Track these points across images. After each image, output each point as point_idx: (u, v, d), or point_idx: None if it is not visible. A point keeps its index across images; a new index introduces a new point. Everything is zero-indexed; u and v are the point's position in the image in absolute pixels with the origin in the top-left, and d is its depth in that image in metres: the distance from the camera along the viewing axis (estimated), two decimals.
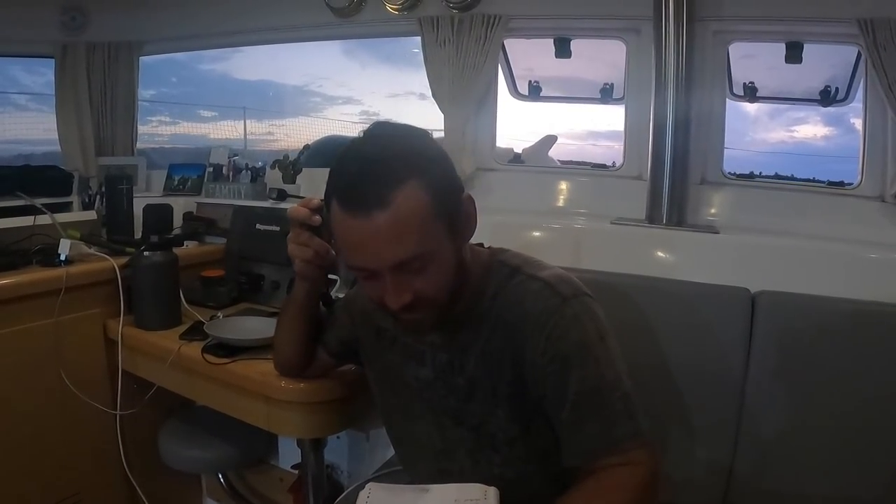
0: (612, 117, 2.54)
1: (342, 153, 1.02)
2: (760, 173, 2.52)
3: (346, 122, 11.43)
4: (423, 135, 1.05)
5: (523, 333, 1.09)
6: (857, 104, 2.30)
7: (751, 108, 2.70)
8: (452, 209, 1.03)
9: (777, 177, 2.55)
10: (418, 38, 2.60)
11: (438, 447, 1.26)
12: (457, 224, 1.05)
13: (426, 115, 2.62)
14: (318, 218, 1.20)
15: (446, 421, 1.23)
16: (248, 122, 9.90)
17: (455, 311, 1.14)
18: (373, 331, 1.34)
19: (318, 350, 1.49)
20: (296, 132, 10.25)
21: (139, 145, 3.45)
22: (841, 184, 2.30)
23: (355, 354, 1.44)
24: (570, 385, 1.05)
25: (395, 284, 1.00)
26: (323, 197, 1.07)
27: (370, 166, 0.97)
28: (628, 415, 1.04)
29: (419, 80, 2.59)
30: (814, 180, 2.40)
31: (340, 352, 1.48)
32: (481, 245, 1.24)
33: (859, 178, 2.18)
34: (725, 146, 2.35)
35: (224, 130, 9.84)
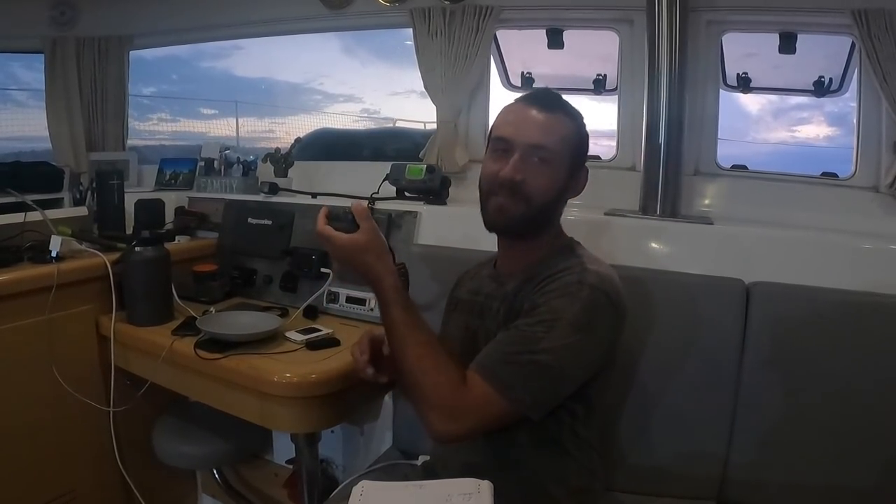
0: (613, 116, 2.52)
1: None
2: None
3: (347, 121, 11.41)
4: None
5: (539, 282, 1.23)
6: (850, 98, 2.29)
7: (754, 106, 2.69)
8: (578, 160, 1.32)
9: None
10: (410, 30, 2.59)
11: None
12: (575, 171, 1.31)
13: (426, 113, 2.62)
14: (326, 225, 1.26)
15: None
16: (248, 119, 9.88)
17: (524, 262, 1.33)
18: (453, 305, 1.51)
19: None
20: (297, 130, 10.24)
21: (140, 142, 3.42)
22: (835, 175, 2.29)
23: None
24: (519, 321, 1.19)
25: (519, 161, 1.25)
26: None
27: (556, 95, 1.33)
28: (521, 373, 1.14)
29: (419, 77, 2.59)
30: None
31: None
32: None
33: (853, 168, 2.18)
34: (727, 139, 2.34)
35: (224, 128, 9.82)
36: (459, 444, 1.29)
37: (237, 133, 9.39)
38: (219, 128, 9.93)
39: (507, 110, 1.33)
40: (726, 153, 2.38)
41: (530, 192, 1.25)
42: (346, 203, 1.27)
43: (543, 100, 1.30)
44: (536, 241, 1.33)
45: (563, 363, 1.15)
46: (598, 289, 1.17)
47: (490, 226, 1.33)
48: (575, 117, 1.31)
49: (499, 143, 1.29)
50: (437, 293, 1.61)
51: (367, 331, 1.40)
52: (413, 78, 2.60)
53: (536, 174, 1.25)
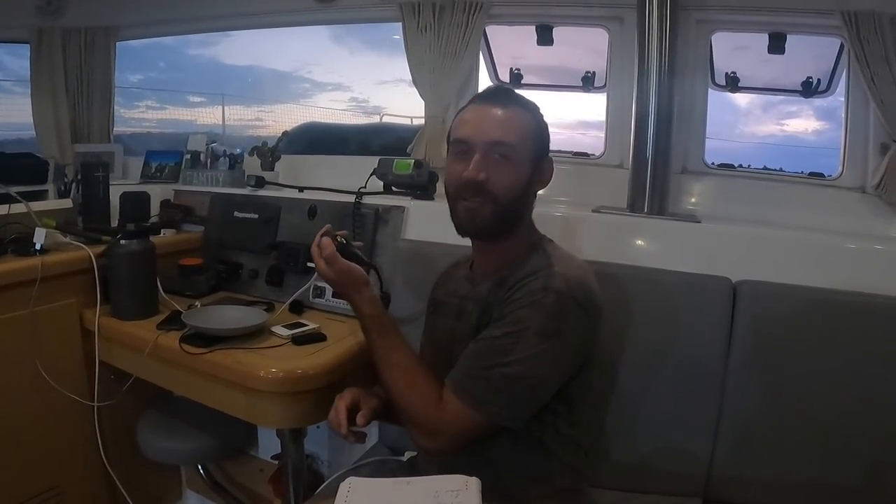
0: (603, 107, 2.52)
1: None
2: (749, 166, 2.51)
3: (335, 110, 11.36)
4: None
5: (508, 288, 1.23)
6: (838, 93, 2.30)
7: (742, 100, 2.68)
8: (541, 152, 1.31)
9: (764, 169, 2.54)
10: (399, 24, 2.57)
11: None
12: (538, 163, 1.31)
13: (413, 102, 2.60)
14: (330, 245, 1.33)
15: (443, 369, 1.28)
16: (236, 107, 9.82)
17: (498, 264, 1.33)
18: (433, 308, 1.52)
19: None
20: (285, 118, 10.18)
21: (126, 130, 3.39)
22: (821, 175, 2.30)
23: None
24: (488, 332, 1.21)
25: (481, 160, 1.24)
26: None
27: (509, 90, 1.34)
28: (493, 387, 1.17)
29: (407, 66, 2.57)
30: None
31: None
32: None
33: (840, 168, 2.19)
34: (715, 137, 2.35)
35: (212, 116, 9.75)
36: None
37: (223, 122, 9.34)
38: (206, 116, 9.86)
39: (463, 112, 1.33)
40: (714, 147, 2.38)
41: (495, 190, 1.24)
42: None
43: (497, 96, 1.30)
44: (509, 239, 1.32)
45: (536, 372, 1.16)
46: (564, 293, 1.17)
47: (461, 230, 1.33)
48: (531, 109, 1.31)
49: (459, 146, 1.29)
50: (424, 289, 1.60)
51: (339, 398, 1.37)
52: (401, 67, 2.59)
53: (499, 171, 1.24)
